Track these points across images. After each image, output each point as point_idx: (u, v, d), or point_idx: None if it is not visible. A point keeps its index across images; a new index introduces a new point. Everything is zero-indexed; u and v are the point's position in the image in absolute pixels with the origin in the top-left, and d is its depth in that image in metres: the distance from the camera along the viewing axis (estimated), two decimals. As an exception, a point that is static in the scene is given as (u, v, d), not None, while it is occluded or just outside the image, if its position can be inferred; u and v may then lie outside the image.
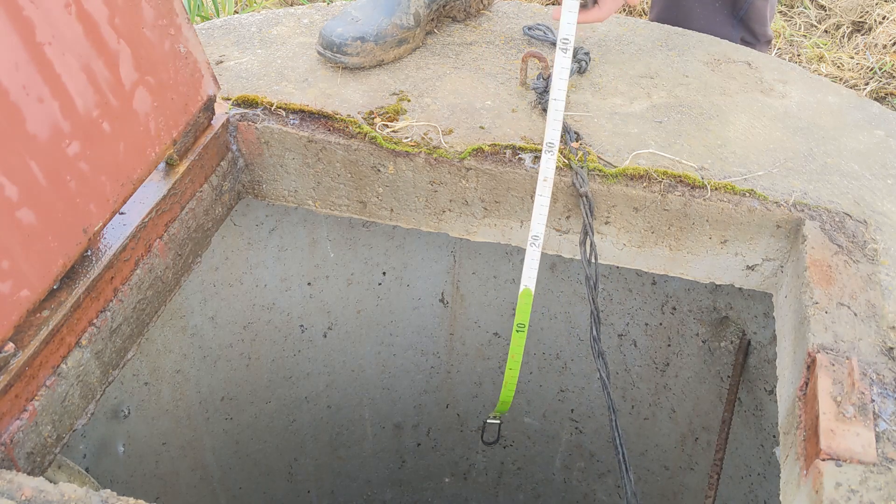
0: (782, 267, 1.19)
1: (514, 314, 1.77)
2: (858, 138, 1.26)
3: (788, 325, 1.10)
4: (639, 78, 1.35)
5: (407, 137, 1.22)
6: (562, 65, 1.10)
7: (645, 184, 1.16)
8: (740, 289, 1.46)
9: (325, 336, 1.82)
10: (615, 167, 1.17)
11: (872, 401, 0.91)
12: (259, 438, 1.90)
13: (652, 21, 1.64)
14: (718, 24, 1.80)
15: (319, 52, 1.34)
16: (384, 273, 1.73)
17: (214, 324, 1.62)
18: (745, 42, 1.80)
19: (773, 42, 1.96)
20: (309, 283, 1.71)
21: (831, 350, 0.96)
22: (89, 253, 1.00)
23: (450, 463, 2.20)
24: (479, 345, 1.86)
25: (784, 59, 2.77)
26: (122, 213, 1.06)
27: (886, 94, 3.03)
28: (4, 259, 0.84)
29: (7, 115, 0.82)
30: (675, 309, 1.59)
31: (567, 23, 1.09)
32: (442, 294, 1.78)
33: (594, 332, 1.22)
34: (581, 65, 1.35)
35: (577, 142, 1.20)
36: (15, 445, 0.88)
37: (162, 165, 1.13)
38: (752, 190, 1.15)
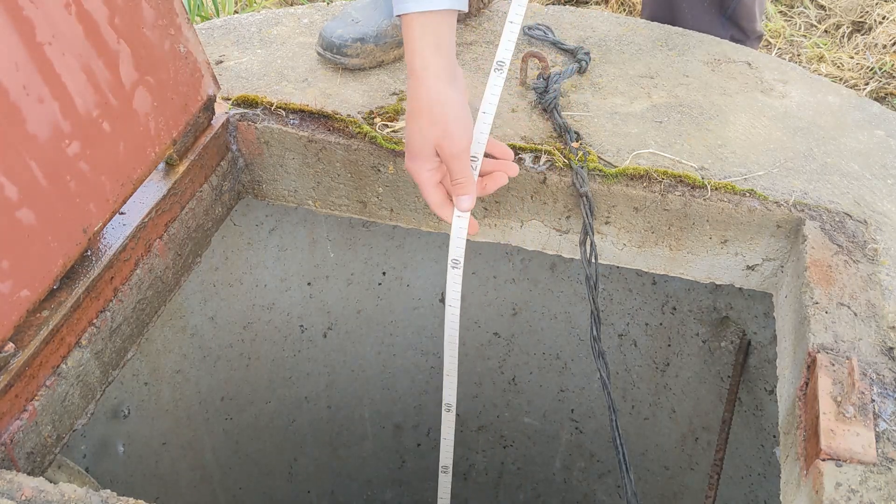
0: (782, 267, 1.19)
1: (514, 313, 1.77)
2: (858, 138, 1.26)
3: (788, 325, 1.10)
4: (639, 78, 1.35)
5: (407, 137, 1.22)
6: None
7: (645, 184, 1.16)
8: (740, 289, 1.46)
9: (325, 336, 1.82)
10: (615, 167, 1.17)
11: (872, 401, 0.91)
12: (259, 438, 1.90)
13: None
14: (707, 24, 1.80)
15: (319, 53, 1.34)
16: (384, 273, 1.73)
17: (214, 324, 1.62)
18: (734, 39, 1.80)
19: (763, 37, 1.96)
20: (309, 283, 1.71)
21: (831, 350, 0.96)
22: (89, 253, 1.00)
23: (450, 463, 2.20)
24: (479, 345, 1.86)
25: (784, 59, 2.77)
26: (122, 213, 1.06)
27: (886, 94, 3.03)
28: (4, 259, 0.84)
29: (7, 115, 0.82)
30: (675, 309, 1.59)
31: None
32: (442, 294, 1.78)
33: (594, 332, 1.22)
34: (581, 65, 1.35)
35: (577, 142, 1.20)
36: (15, 445, 0.88)
37: (162, 165, 1.14)
38: (752, 190, 1.15)
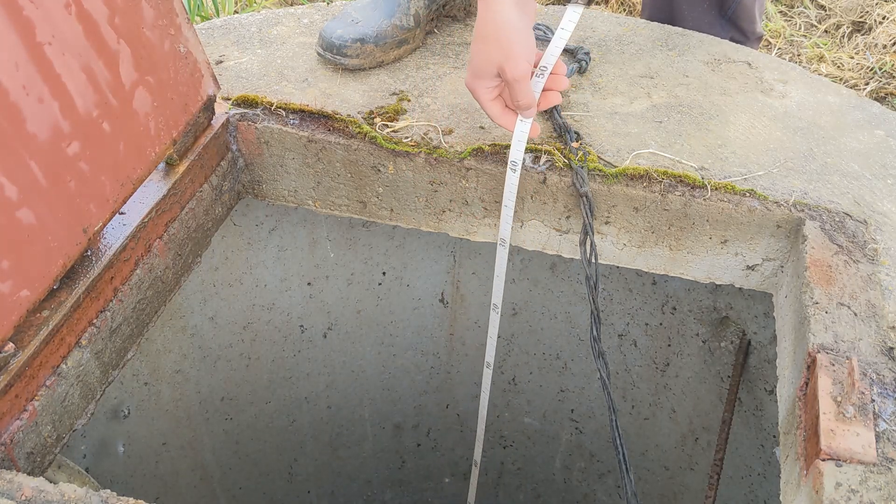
0: (782, 267, 1.19)
1: (514, 314, 1.77)
2: (858, 138, 1.26)
3: (788, 325, 1.10)
4: (639, 78, 1.36)
5: (407, 137, 1.22)
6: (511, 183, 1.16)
7: (645, 184, 1.16)
8: (740, 289, 1.46)
9: (325, 336, 1.82)
10: (615, 167, 1.17)
11: (872, 401, 0.91)
12: (259, 438, 1.90)
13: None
14: (707, 25, 1.81)
15: (319, 54, 1.34)
16: (384, 273, 1.73)
17: (214, 324, 1.62)
18: (734, 41, 1.80)
19: (763, 38, 1.96)
20: (309, 283, 1.71)
21: (831, 350, 0.96)
22: (89, 253, 1.00)
23: (450, 463, 2.20)
24: (480, 345, 1.86)
25: (784, 59, 2.77)
26: (122, 213, 1.06)
27: (886, 94, 3.03)
28: (4, 259, 0.84)
29: (7, 115, 0.82)
30: (675, 309, 1.59)
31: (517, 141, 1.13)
32: (442, 294, 1.78)
33: (594, 332, 1.22)
34: (581, 65, 1.35)
35: (577, 142, 1.20)
36: (15, 445, 0.88)
37: (162, 165, 1.14)
38: (752, 190, 1.15)
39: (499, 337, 1.83)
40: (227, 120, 1.24)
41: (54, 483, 0.83)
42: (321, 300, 1.75)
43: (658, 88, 1.33)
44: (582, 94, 1.32)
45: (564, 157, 1.18)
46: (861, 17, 3.32)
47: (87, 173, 0.94)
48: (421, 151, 1.20)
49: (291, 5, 3.36)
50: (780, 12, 3.43)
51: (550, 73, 1.11)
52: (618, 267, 1.58)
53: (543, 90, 1.11)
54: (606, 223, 1.21)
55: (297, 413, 1.93)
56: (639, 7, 3.37)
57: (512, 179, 1.15)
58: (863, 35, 3.28)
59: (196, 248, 1.22)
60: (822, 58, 3.18)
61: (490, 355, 1.35)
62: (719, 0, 1.82)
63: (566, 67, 1.12)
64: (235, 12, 3.18)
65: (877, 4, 3.34)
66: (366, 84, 1.32)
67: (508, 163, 1.14)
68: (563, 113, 1.26)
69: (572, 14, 1.06)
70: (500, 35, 1.03)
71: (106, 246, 1.02)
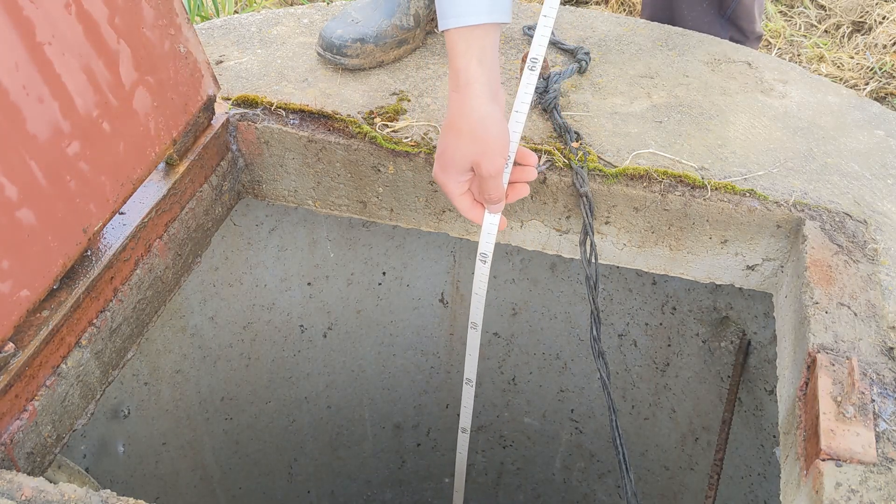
0: (782, 267, 1.19)
1: (514, 314, 1.77)
2: (858, 138, 1.26)
3: (788, 325, 1.10)
4: (639, 78, 1.35)
5: (407, 137, 1.22)
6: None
7: (645, 184, 1.16)
8: (740, 289, 1.46)
9: (325, 336, 1.82)
10: (615, 167, 1.17)
11: (872, 401, 0.91)
12: (259, 438, 1.90)
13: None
14: (707, 24, 1.81)
15: (319, 54, 1.34)
16: (384, 273, 1.73)
17: (214, 324, 1.62)
18: (734, 40, 1.81)
19: (763, 38, 1.97)
20: (309, 283, 1.71)
21: (831, 350, 0.96)
22: (89, 253, 1.00)
23: (450, 463, 2.20)
24: (479, 345, 1.86)
25: (784, 59, 2.76)
26: (122, 213, 1.06)
27: (886, 94, 3.03)
28: (4, 259, 0.84)
29: (7, 115, 0.82)
30: (675, 309, 1.59)
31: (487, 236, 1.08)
32: (442, 294, 1.78)
33: (594, 332, 1.22)
34: (581, 65, 1.35)
35: (577, 142, 1.20)
36: (15, 445, 0.88)
37: (162, 165, 1.14)
38: (752, 190, 1.15)
39: (498, 336, 1.83)
40: (227, 120, 1.24)
41: (54, 483, 0.83)
42: (321, 300, 1.75)
43: (658, 88, 1.33)
44: (582, 94, 1.32)
45: (564, 156, 1.18)
46: (861, 17, 3.32)
47: (87, 173, 0.94)
48: (421, 151, 1.20)
49: (291, 5, 3.37)
50: (780, 12, 3.43)
51: (521, 165, 1.06)
52: (618, 267, 1.58)
53: (512, 182, 1.05)
54: (606, 223, 1.21)
55: (297, 413, 1.93)
56: (639, 7, 3.37)
57: (482, 270, 1.12)
58: (863, 35, 3.28)
59: (196, 248, 1.22)
60: (822, 58, 3.18)
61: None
62: (719, 0, 1.82)
63: (536, 158, 1.07)
64: (235, 12, 3.18)
65: (877, 4, 3.34)
66: (366, 84, 1.32)
67: (478, 255, 1.10)
68: (563, 113, 1.26)
69: (527, 85, 1.02)
70: (475, 129, 0.97)
71: (106, 246, 1.02)
